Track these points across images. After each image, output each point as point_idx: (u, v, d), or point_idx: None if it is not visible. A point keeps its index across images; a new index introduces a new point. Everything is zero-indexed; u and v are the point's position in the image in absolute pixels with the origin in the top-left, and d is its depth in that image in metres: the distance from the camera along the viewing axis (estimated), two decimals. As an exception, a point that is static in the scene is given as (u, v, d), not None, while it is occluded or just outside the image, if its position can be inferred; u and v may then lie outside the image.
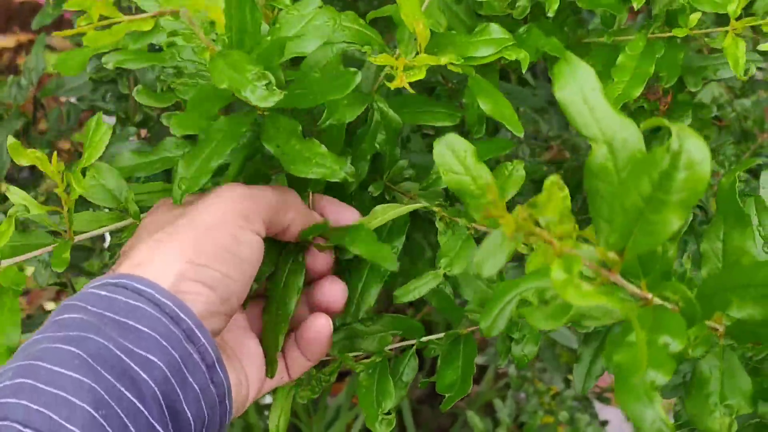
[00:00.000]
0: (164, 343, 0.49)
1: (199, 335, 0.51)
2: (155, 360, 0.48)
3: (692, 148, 0.35)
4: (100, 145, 0.60)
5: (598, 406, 1.57)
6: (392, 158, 0.70)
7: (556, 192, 0.34)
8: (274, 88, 0.54)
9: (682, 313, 0.39)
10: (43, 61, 0.96)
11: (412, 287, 0.64)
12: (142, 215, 0.63)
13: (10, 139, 0.58)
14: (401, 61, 0.61)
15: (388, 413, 0.66)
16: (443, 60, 0.62)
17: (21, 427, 0.43)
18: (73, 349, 0.47)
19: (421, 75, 0.61)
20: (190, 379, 0.50)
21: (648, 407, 0.34)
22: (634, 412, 0.34)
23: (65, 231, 0.61)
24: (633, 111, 0.78)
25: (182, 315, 0.50)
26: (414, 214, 0.69)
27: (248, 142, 0.63)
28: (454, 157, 0.57)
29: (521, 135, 0.65)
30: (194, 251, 0.53)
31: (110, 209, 0.65)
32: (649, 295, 0.40)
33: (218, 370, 0.52)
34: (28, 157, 0.57)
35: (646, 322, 0.38)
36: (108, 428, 0.45)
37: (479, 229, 0.64)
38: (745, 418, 0.52)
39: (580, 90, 0.41)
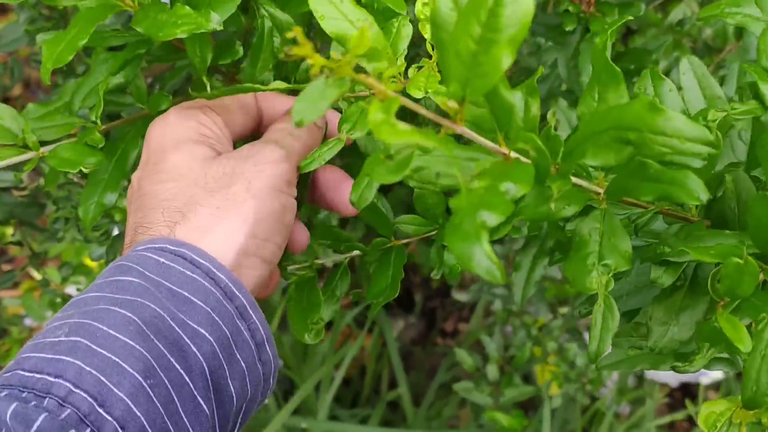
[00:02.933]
0: (216, 318, 0.49)
1: (251, 313, 0.51)
2: (206, 334, 0.48)
3: (515, -18, 0.34)
4: None
5: (586, 336, 1.57)
6: (295, 62, 0.68)
7: (366, 31, 0.33)
8: None
9: (535, 163, 0.39)
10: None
11: (317, 154, 0.60)
12: (43, 148, 0.63)
13: None
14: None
15: (316, 322, 0.66)
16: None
17: (73, 388, 0.43)
18: (128, 314, 0.47)
19: None
20: (238, 356, 0.50)
21: (476, 245, 0.33)
22: (461, 251, 0.34)
23: None
24: (560, 13, 0.77)
25: (236, 291, 0.51)
26: None
27: (131, 47, 0.63)
28: (329, 3, 0.54)
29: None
30: (255, 224, 0.53)
31: (9, 145, 0.65)
32: (506, 150, 0.40)
33: (267, 348, 0.53)
34: None
35: (494, 172, 0.37)
36: (154, 398, 0.45)
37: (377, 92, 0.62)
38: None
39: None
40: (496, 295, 1.46)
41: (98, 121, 0.63)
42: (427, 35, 0.55)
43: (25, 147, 0.64)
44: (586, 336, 1.62)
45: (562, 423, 1.56)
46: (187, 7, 0.57)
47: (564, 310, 1.53)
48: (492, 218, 0.34)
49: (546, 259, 0.72)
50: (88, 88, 0.66)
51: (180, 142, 0.57)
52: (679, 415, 1.47)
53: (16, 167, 0.64)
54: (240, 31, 0.67)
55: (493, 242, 0.69)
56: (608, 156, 0.38)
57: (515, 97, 0.42)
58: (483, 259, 0.33)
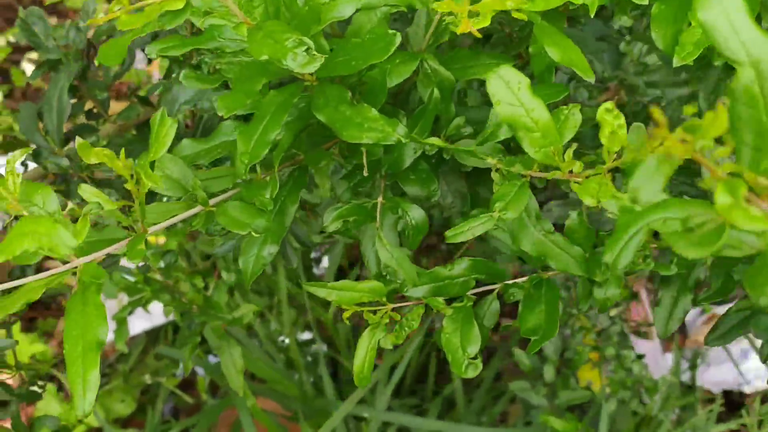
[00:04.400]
0: None
1: None
2: None
3: None
4: (167, 139, 0.59)
5: (635, 342, 1.59)
6: (448, 116, 0.69)
7: (722, 115, 0.33)
8: (314, 53, 0.54)
9: None
10: (95, 4, 0.95)
11: (466, 227, 0.63)
12: (210, 200, 0.63)
13: (78, 140, 0.57)
14: (464, 6, 0.59)
15: (474, 357, 0.66)
16: (509, 4, 0.59)
17: None
18: None
19: (485, 22, 0.58)
20: None
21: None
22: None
23: (137, 223, 0.60)
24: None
25: None
26: (478, 169, 0.69)
27: (299, 114, 0.64)
28: (508, 90, 0.56)
29: (593, 80, 0.64)
30: None
31: (178, 198, 0.65)
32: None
33: None
34: (97, 156, 0.56)
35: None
36: None
37: (534, 176, 0.63)
38: None
39: (725, 12, 0.40)
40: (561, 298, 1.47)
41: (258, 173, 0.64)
42: (603, 140, 0.54)
43: (195, 200, 0.64)
44: (635, 342, 1.64)
45: (611, 426, 1.58)
46: (374, 110, 0.57)
47: (613, 311, 1.55)
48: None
49: (689, 296, 0.73)
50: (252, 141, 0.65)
51: None
52: (732, 424, 1.49)
53: (185, 221, 0.64)
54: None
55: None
56: None
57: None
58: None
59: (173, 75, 0.86)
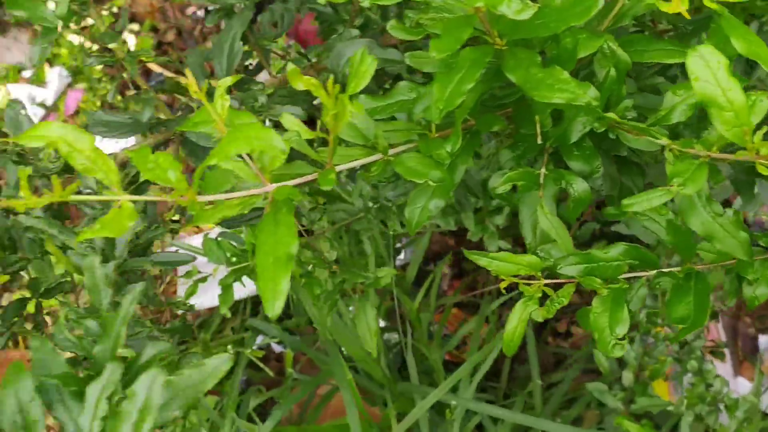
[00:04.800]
0: None
1: None
2: None
3: None
4: (366, 75, 0.61)
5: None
6: (618, 97, 0.71)
7: None
8: (528, 2, 0.56)
9: None
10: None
11: (643, 198, 0.64)
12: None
13: (290, 65, 0.60)
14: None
15: (622, 338, 0.68)
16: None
17: None
18: None
19: (685, 4, 0.61)
20: None
21: None
22: None
23: (326, 158, 0.62)
24: None
25: None
26: (621, 159, 0.70)
27: (486, 75, 0.65)
28: (707, 68, 0.58)
29: (772, 73, 0.65)
30: None
31: (359, 145, 0.68)
32: None
33: None
34: (305, 82, 0.58)
35: None
36: None
37: (714, 157, 0.64)
38: None
39: None
40: (645, 306, 1.48)
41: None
42: None
43: (374, 148, 0.66)
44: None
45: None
46: (565, 73, 0.59)
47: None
48: None
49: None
50: (429, 101, 0.68)
51: None
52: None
53: (363, 167, 0.67)
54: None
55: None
56: None
57: None
58: None
59: (334, 36, 0.89)
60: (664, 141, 0.66)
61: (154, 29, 2.46)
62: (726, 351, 1.90)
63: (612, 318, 0.69)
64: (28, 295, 0.99)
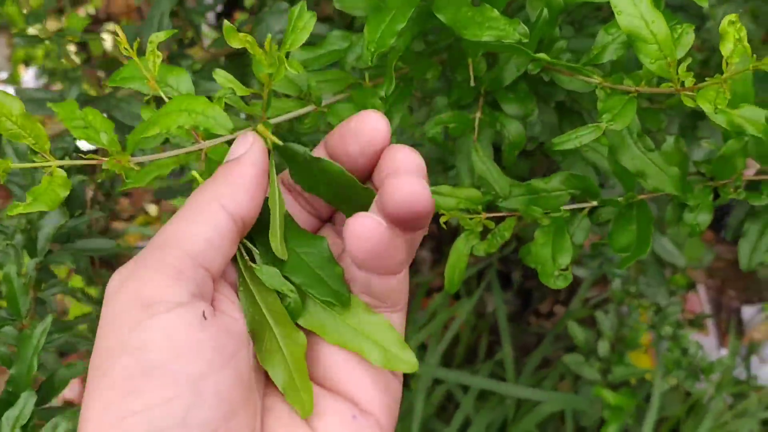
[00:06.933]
0: None
1: None
2: None
3: None
4: (305, 32, 0.60)
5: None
6: (551, 39, 0.71)
7: None
8: None
9: None
10: None
11: (573, 135, 0.63)
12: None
13: (226, 23, 0.59)
14: None
15: (565, 269, 0.68)
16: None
17: None
18: None
19: None
20: None
21: None
22: None
23: (259, 112, 0.62)
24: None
25: None
26: (561, 107, 0.70)
27: (417, 17, 0.65)
28: (630, 1, 0.58)
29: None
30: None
31: (293, 97, 0.68)
32: None
33: None
34: (241, 41, 0.57)
35: None
36: None
37: (642, 92, 0.64)
38: None
39: None
40: (616, 274, 1.47)
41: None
42: (725, 51, 0.56)
43: (307, 100, 0.66)
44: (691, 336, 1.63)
45: (662, 406, 1.57)
46: (495, 11, 0.59)
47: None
48: None
49: (774, 229, 0.74)
50: (361, 49, 0.69)
51: None
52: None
53: (297, 119, 0.67)
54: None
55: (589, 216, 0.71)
56: None
57: None
58: None
59: (265, 9, 0.89)
60: (596, 79, 0.65)
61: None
62: (710, 324, 1.90)
63: (555, 248, 0.69)
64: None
